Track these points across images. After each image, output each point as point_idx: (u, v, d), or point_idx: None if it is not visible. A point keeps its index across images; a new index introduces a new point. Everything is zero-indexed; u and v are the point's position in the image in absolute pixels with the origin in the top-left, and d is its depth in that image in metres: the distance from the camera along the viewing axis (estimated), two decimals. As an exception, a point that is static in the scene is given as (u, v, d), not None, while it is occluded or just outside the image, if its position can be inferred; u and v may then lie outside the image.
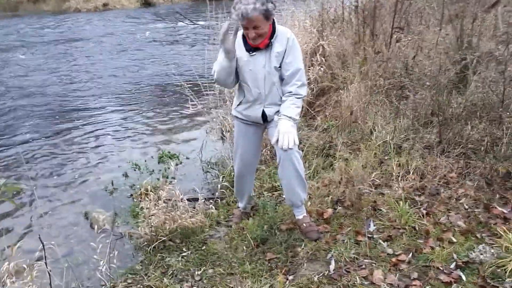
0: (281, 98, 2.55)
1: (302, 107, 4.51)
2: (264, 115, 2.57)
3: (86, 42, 10.25)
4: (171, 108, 5.92)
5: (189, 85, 4.88)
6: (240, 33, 2.52)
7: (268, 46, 2.45)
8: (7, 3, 16.35)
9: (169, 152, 4.41)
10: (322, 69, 4.89)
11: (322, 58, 5.01)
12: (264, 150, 3.91)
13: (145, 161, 4.27)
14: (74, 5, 15.63)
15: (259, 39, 2.39)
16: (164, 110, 5.88)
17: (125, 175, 4.00)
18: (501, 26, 4.29)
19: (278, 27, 2.49)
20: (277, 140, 2.40)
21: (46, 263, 2.24)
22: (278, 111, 2.55)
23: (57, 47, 9.57)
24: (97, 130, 5.14)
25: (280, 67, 2.48)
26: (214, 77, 2.60)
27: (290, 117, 2.43)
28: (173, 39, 10.50)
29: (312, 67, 4.92)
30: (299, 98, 2.50)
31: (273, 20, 2.45)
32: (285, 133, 2.38)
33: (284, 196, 3.17)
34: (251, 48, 2.47)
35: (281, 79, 2.52)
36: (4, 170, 4.13)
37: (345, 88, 4.37)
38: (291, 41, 2.47)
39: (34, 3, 17.21)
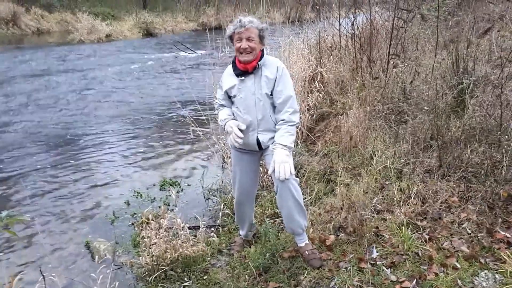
0: (275, 124, 2.59)
1: (302, 133, 4.58)
2: (258, 142, 2.61)
3: (89, 72, 10.40)
4: (173, 136, 5.96)
5: (190, 113, 4.94)
6: (230, 65, 2.66)
7: (256, 69, 2.53)
8: (12, 36, 16.70)
9: (170, 180, 4.42)
10: (321, 95, 4.97)
11: (321, 85, 5.09)
12: (265, 176, 3.91)
13: (147, 188, 4.28)
14: (78, 37, 15.92)
15: (249, 55, 2.48)
16: (166, 137, 5.92)
17: (127, 203, 4.00)
18: (496, 51, 4.37)
19: (267, 55, 2.61)
20: (274, 170, 2.42)
21: (46, 295, 2.22)
22: (273, 138, 2.59)
23: (61, 78, 9.71)
24: (98, 158, 5.16)
25: (271, 94, 2.54)
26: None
27: (285, 146, 2.46)
28: (175, 68, 10.68)
29: (311, 94, 4.99)
30: (292, 125, 2.54)
31: (263, 49, 2.58)
32: (281, 163, 2.40)
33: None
34: (240, 73, 2.56)
35: (274, 107, 2.58)
36: (6, 201, 4.12)
37: (344, 113, 4.42)
38: (281, 70, 2.55)
39: (39, 35, 17.57)
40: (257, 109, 2.55)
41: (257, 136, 2.60)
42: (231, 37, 2.56)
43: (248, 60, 2.49)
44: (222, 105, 2.74)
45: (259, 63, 2.53)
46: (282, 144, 2.46)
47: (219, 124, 2.78)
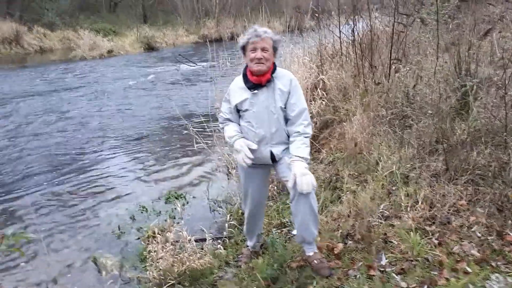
0: (287, 137, 2.56)
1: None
2: (272, 155, 2.57)
3: (92, 88, 10.48)
4: (176, 148, 5.96)
5: (193, 125, 4.94)
6: (238, 78, 2.61)
7: (269, 82, 2.49)
8: (15, 55, 16.89)
9: (175, 193, 4.41)
10: (324, 102, 4.96)
11: (323, 92, 5.09)
12: (271, 186, 3.89)
13: (152, 202, 4.26)
14: (80, 54, 16.06)
15: (263, 65, 2.43)
16: (169, 150, 5.92)
17: (132, 218, 3.98)
18: (498, 52, 4.35)
19: (278, 68, 2.57)
20: (295, 183, 2.37)
21: (53, 313, 2.20)
22: (285, 149, 2.56)
23: (64, 95, 9.79)
24: (102, 174, 5.16)
25: (285, 107, 2.51)
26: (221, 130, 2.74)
27: (302, 158, 2.42)
28: (177, 81, 10.73)
29: (313, 101, 4.99)
30: (307, 137, 2.52)
31: (274, 61, 2.54)
32: (302, 175, 2.35)
33: (293, 233, 3.13)
34: (252, 86, 2.50)
35: (285, 119, 2.55)
36: (12, 219, 4.12)
37: (348, 120, 4.41)
38: (294, 82, 2.53)
39: (41, 54, 17.76)
40: (270, 123, 2.51)
41: (270, 150, 2.56)
42: (243, 47, 2.50)
43: (262, 70, 2.44)
44: (228, 119, 2.68)
45: (273, 75, 2.49)
46: (300, 156, 2.42)
47: (226, 140, 2.69)
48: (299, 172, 2.36)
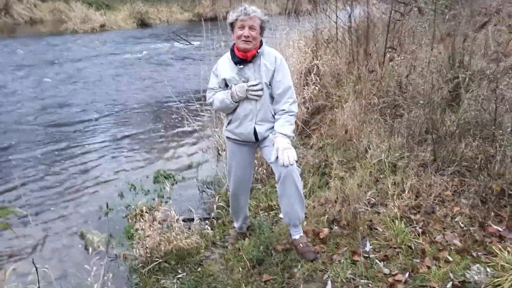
0: (272, 115, 2.59)
1: (297, 126, 4.57)
2: (255, 133, 2.59)
3: (83, 63, 10.30)
4: (167, 128, 5.94)
5: (185, 105, 4.91)
6: (226, 54, 2.65)
7: (255, 57, 2.53)
8: (4, 25, 16.45)
9: (164, 172, 4.41)
10: (316, 88, 4.95)
11: (317, 78, 5.07)
12: (260, 169, 3.91)
13: (141, 181, 4.26)
14: (71, 27, 15.67)
15: (250, 43, 2.48)
16: (160, 130, 5.89)
17: (121, 195, 3.99)
18: (492, 45, 4.36)
19: (265, 46, 2.61)
20: (277, 158, 2.43)
21: (39, 287, 2.21)
22: (270, 129, 2.59)
23: (53, 69, 9.61)
24: (91, 150, 5.13)
25: (270, 84, 2.54)
26: (213, 107, 2.74)
27: (285, 135, 2.48)
28: (169, 59, 10.59)
29: (307, 86, 4.98)
30: (292, 115, 2.57)
31: (261, 40, 2.59)
32: (284, 149, 2.42)
33: (280, 215, 3.16)
34: (238, 61, 2.55)
35: (271, 97, 2.57)
36: (-1, 192, 4.10)
37: (339, 106, 4.42)
38: (279, 60, 2.57)
39: (32, 25, 17.30)
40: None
41: (254, 127, 2.58)
42: (232, 24, 2.54)
43: (248, 48, 2.49)
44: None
45: (258, 51, 2.53)
46: (282, 133, 2.48)
47: (222, 103, 2.59)
48: (281, 147, 2.43)
